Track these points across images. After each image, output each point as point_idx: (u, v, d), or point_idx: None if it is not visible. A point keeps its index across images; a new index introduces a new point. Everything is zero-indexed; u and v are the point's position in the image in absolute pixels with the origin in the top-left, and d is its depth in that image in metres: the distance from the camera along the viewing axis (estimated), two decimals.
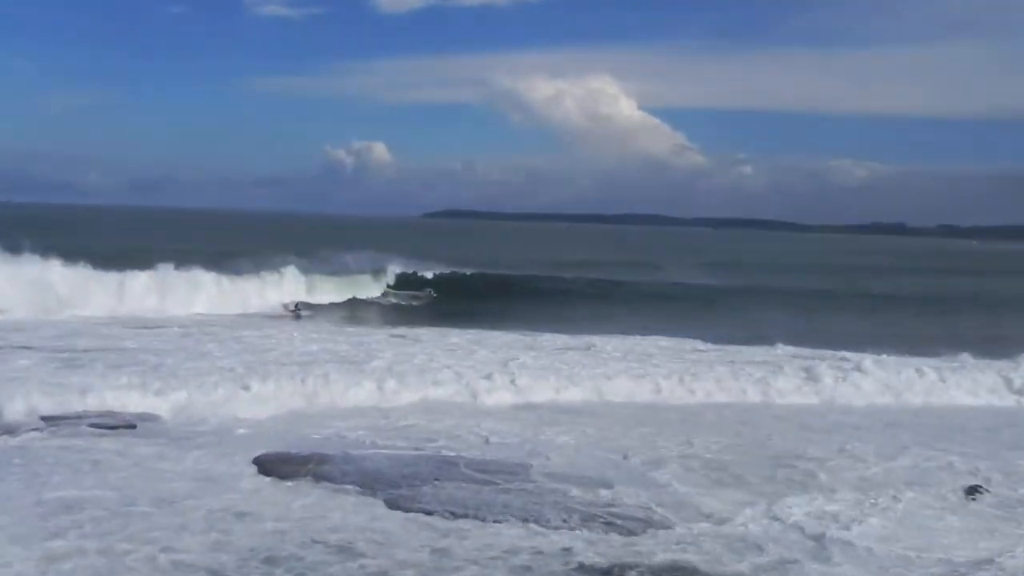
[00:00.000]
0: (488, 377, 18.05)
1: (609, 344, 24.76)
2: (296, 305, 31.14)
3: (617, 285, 44.72)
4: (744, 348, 25.10)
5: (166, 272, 30.09)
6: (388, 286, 37.42)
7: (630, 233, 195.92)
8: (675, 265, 64.26)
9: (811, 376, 20.09)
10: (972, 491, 12.14)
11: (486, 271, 43.24)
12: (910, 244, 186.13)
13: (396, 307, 35.37)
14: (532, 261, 61.25)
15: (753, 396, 18.73)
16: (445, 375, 18.11)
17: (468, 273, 42.07)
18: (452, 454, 13.17)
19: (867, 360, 21.56)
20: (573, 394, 17.83)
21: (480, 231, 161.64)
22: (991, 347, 24.38)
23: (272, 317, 29.31)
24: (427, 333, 25.95)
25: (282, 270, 33.99)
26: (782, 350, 24.64)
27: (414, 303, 36.47)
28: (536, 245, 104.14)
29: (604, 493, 11.61)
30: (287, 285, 33.51)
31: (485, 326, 28.46)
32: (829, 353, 24.09)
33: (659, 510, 11.14)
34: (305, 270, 34.90)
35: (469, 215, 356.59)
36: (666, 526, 10.51)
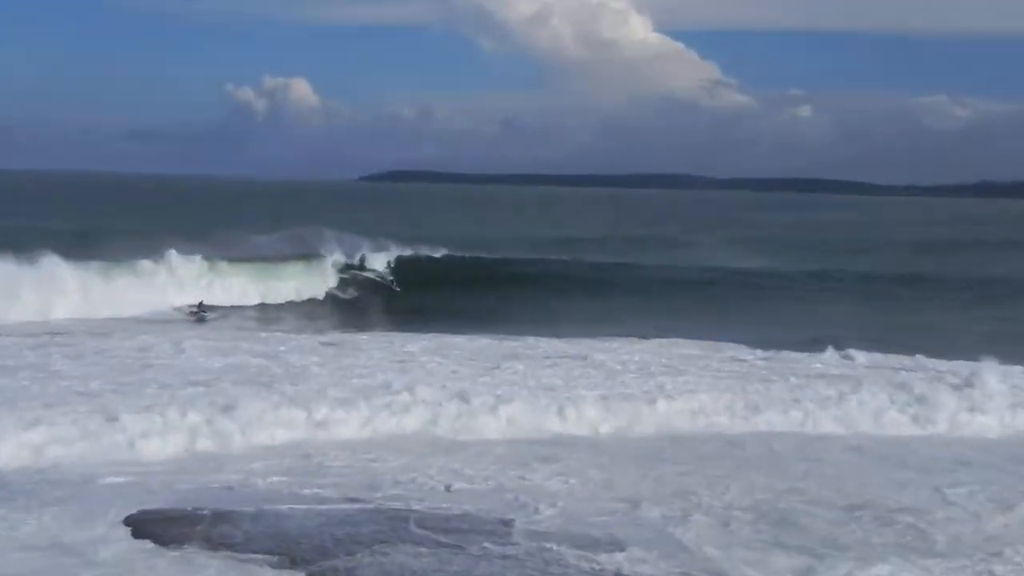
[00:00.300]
0: (455, 398, 18.06)
1: (617, 352, 24.84)
2: (199, 306, 31.28)
3: (627, 270, 44.95)
4: (801, 355, 25.26)
5: (2, 262, 29.83)
6: (338, 279, 37.38)
7: (645, 200, 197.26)
8: (705, 243, 64.73)
9: (903, 394, 20.16)
10: None
11: (452, 254, 43.27)
12: None
13: (333, 304, 35.38)
14: (514, 240, 61.41)
15: (820, 422, 18.76)
16: (396, 397, 18.11)
17: (431, 257, 42.08)
18: (403, 507, 13.12)
19: (983, 371, 21.63)
20: (568, 422, 17.79)
21: (441, 199, 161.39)
22: None
23: (160, 322, 29.16)
24: (373, 340, 26.04)
25: (171, 256, 33.96)
26: (858, 357, 24.72)
27: (356, 298, 36.46)
28: (518, 217, 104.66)
29: (612, 558, 11.54)
30: (179, 278, 33.55)
31: (449, 328, 28.60)
32: (925, 362, 24.28)
33: None
34: (205, 256, 35.00)
35: (425, 178, 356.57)
36: None
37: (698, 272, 45.63)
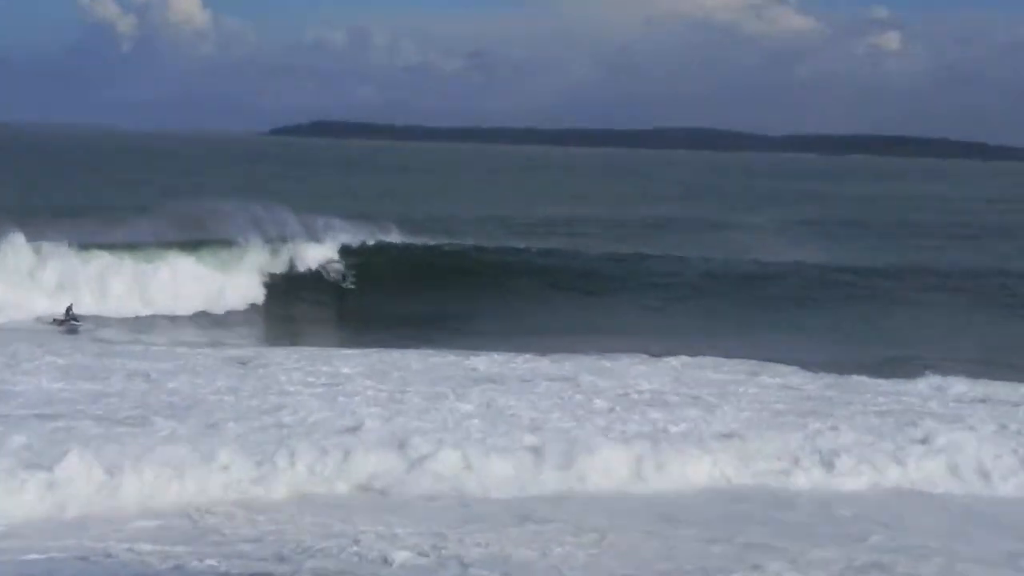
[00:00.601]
0: (396, 444, 18.18)
1: (621, 374, 25.08)
2: (67, 312, 31.54)
3: (639, 264, 45.11)
4: (879, 382, 25.52)
5: None
6: (257, 274, 37.70)
7: (669, 165, 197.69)
8: (750, 226, 64.92)
9: (1009, 437, 20.38)
10: None
11: (408, 241, 43.41)
12: None
13: (248, 311, 35.58)
14: (486, 221, 61.35)
15: (907, 476, 18.92)
16: (312, 438, 18.20)
17: (383, 243, 42.31)
18: None
19: None
20: (549, 476, 17.85)
21: (382, 161, 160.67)
22: None
23: (9, 331, 29.22)
24: (288, 356, 26.20)
25: (16, 243, 34.17)
26: (955, 386, 25.13)
27: (279, 302, 36.59)
28: (492, 189, 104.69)
29: None
30: (35, 272, 33.86)
31: (398, 341, 28.58)
32: None
33: None
34: (73, 243, 35.18)
35: (361, 131, 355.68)
36: None
37: (738, 266, 45.78)
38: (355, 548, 14.70)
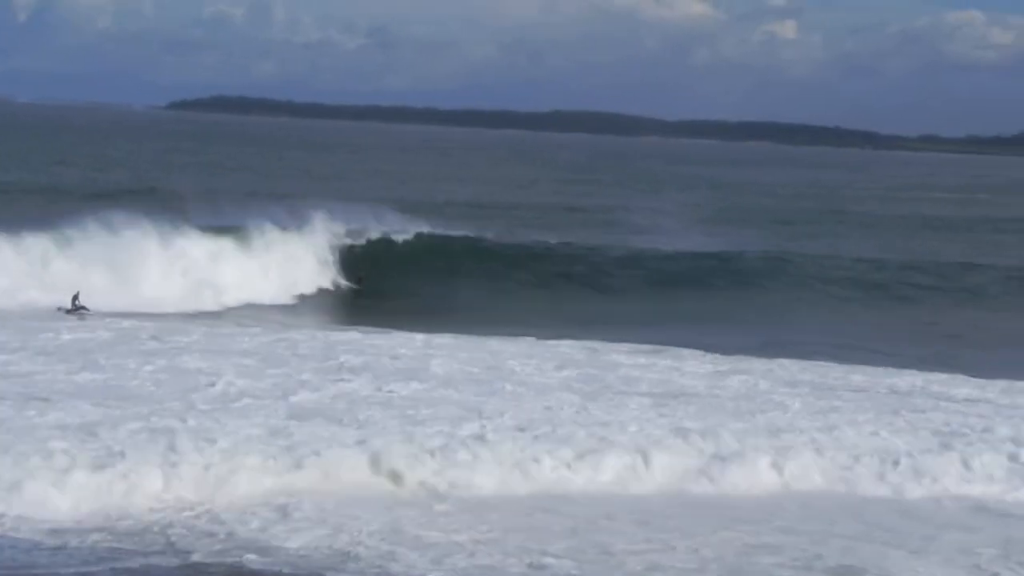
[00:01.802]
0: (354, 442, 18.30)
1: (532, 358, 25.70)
2: (74, 301, 31.56)
3: (536, 253, 45.67)
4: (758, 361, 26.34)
5: None
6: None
7: (567, 148, 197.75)
8: (648, 213, 65.45)
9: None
10: None
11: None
12: None
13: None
14: (382, 201, 61.35)
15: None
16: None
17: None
18: None
19: None
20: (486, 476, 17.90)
21: (278, 138, 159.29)
22: None
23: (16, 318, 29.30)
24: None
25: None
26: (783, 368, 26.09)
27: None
28: (389, 168, 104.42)
29: None
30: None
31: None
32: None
33: None
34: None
35: (259, 107, 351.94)
36: None
37: (639, 258, 46.04)
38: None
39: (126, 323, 28.98)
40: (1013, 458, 19.81)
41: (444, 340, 28.16)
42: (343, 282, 38.98)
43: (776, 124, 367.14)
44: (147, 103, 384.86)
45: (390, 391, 21.85)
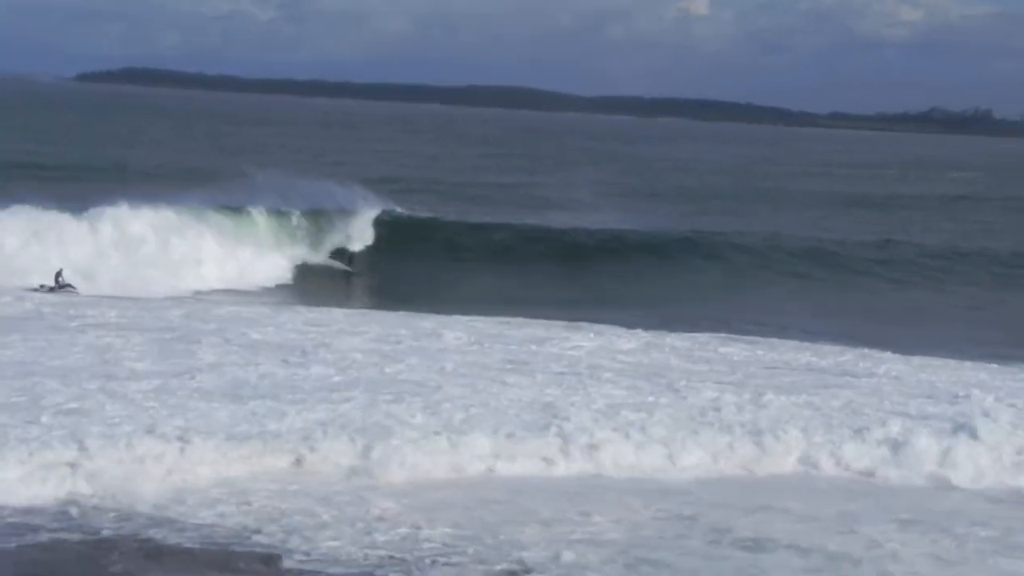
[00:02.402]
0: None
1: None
2: (57, 278, 31.47)
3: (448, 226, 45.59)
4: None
5: None
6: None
7: (484, 123, 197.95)
8: (563, 188, 65.73)
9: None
10: None
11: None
12: (999, 147, 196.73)
13: None
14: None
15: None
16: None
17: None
18: None
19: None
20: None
21: (194, 110, 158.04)
22: None
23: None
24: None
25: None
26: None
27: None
28: (303, 142, 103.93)
29: None
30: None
31: None
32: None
33: None
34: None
35: (167, 79, 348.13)
36: None
37: (548, 232, 46.34)
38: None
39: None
40: (907, 432, 19.96)
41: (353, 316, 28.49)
42: (334, 263, 39.52)
43: (690, 100, 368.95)
44: (54, 74, 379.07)
45: (294, 372, 21.91)
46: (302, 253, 38.85)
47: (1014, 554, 15.44)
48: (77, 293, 30.79)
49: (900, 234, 53.85)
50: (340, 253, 39.95)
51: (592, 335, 27.98)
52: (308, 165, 70.07)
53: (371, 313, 30.00)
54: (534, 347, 25.76)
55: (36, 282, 31.18)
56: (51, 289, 30.81)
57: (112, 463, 15.86)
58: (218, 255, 36.41)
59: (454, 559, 14.16)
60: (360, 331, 26.46)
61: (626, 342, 27.36)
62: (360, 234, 40.70)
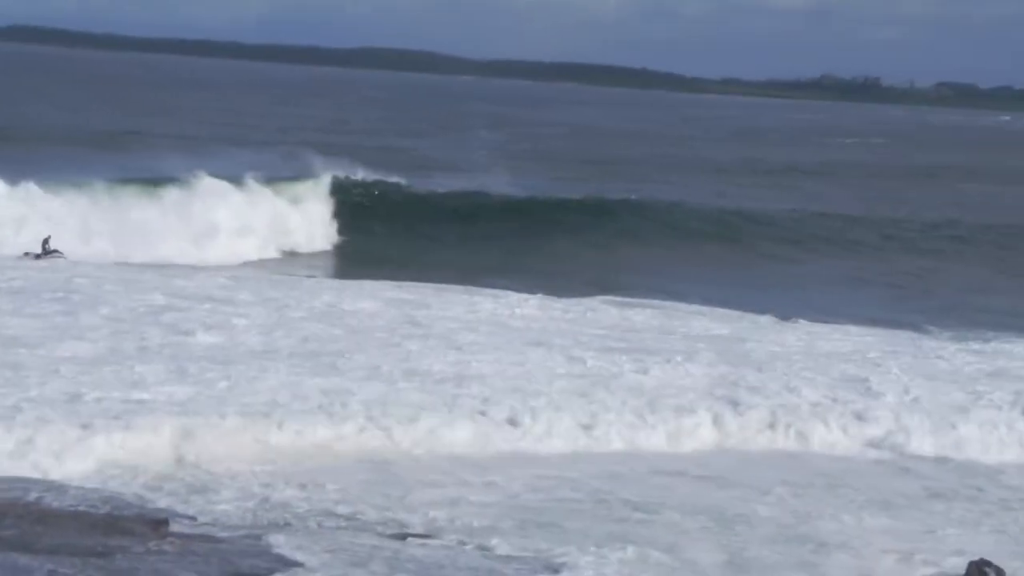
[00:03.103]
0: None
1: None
2: (44, 245, 31.34)
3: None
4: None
5: None
6: None
7: (370, 85, 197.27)
8: (457, 152, 65.84)
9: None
10: None
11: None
12: (881, 115, 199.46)
13: None
14: (188, 138, 60.35)
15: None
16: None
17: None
18: None
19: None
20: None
21: (84, 70, 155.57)
22: None
23: None
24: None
25: None
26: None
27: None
28: (195, 106, 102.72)
29: None
30: None
31: None
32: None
33: None
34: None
35: (54, 38, 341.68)
36: None
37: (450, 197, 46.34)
38: None
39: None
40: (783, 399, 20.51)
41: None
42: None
43: (585, 65, 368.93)
44: None
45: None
46: None
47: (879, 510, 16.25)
48: (62, 258, 30.86)
49: (803, 202, 54.33)
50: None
51: (488, 299, 28.27)
52: (205, 128, 69.59)
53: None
54: (429, 311, 26.01)
55: (22, 250, 31.34)
56: (38, 256, 30.84)
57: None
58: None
59: (342, 523, 14.34)
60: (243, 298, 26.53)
61: (518, 307, 27.65)
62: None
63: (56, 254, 31.06)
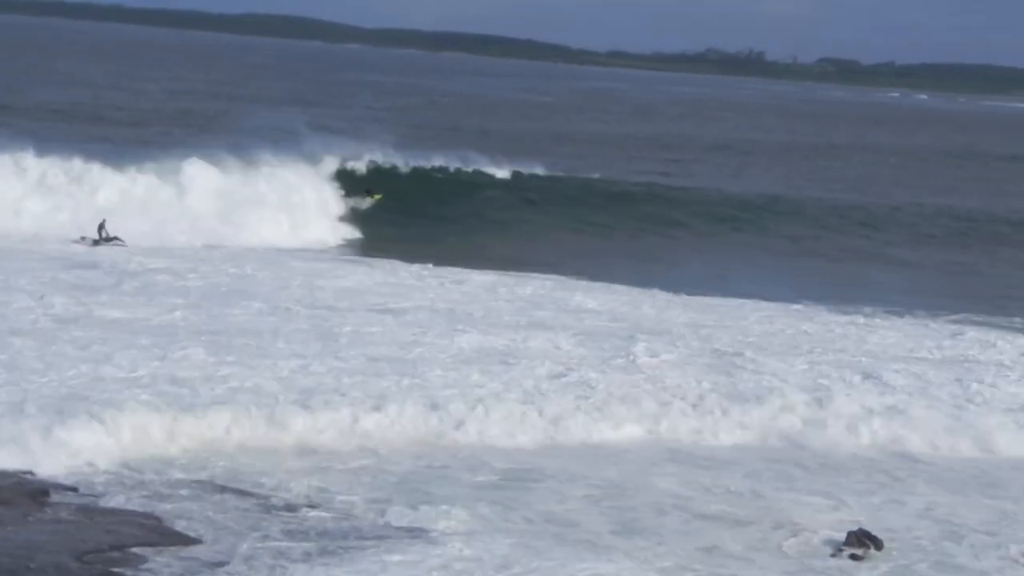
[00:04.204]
0: None
1: None
2: (100, 230, 30.33)
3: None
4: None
5: None
6: None
7: (254, 52, 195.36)
8: (341, 117, 65.25)
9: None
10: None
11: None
12: (766, 89, 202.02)
13: None
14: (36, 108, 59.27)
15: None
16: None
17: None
18: None
19: None
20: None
21: None
22: None
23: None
24: None
25: None
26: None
27: None
28: (71, 71, 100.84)
29: None
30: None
31: None
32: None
33: None
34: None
35: None
36: None
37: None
38: None
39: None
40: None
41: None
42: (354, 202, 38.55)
43: (473, 35, 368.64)
44: None
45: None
46: None
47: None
48: (124, 245, 29.87)
49: (685, 178, 54.38)
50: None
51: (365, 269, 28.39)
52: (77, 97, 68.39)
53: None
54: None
55: (76, 235, 30.34)
56: (95, 242, 29.93)
57: None
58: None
59: (214, 496, 14.42)
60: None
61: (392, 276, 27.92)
62: None
63: (117, 241, 30.07)
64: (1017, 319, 29.54)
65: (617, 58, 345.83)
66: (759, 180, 56.62)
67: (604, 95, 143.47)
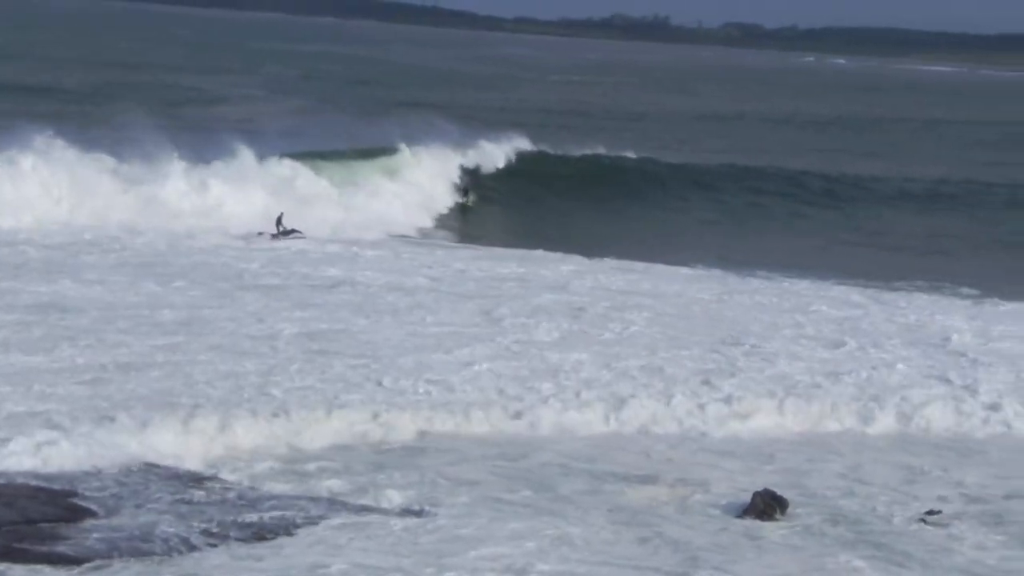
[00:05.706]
0: None
1: None
2: (278, 223, 30.32)
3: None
4: None
5: None
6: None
7: (172, 22, 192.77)
8: (241, 86, 64.64)
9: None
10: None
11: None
12: (672, 53, 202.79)
13: None
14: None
15: None
16: None
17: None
18: None
19: None
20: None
21: None
22: None
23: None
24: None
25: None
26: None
27: None
28: None
29: None
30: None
31: None
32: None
33: None
34: None
35: None
36: None
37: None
38: None
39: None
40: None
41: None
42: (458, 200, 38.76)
43: (377, 3, 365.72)
44: None
45: None
46: None
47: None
48: (304, 237, 29.91)
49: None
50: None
51: None
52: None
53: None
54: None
55: (256, 229, 30.20)
56: (274, 236, 29.82)
57: None
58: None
59: (172, 483, 14.44)
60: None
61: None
62: None
63: (296, 233, 30.04)
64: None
65: (524, 24, 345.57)
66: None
67: (524, 63, 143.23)
